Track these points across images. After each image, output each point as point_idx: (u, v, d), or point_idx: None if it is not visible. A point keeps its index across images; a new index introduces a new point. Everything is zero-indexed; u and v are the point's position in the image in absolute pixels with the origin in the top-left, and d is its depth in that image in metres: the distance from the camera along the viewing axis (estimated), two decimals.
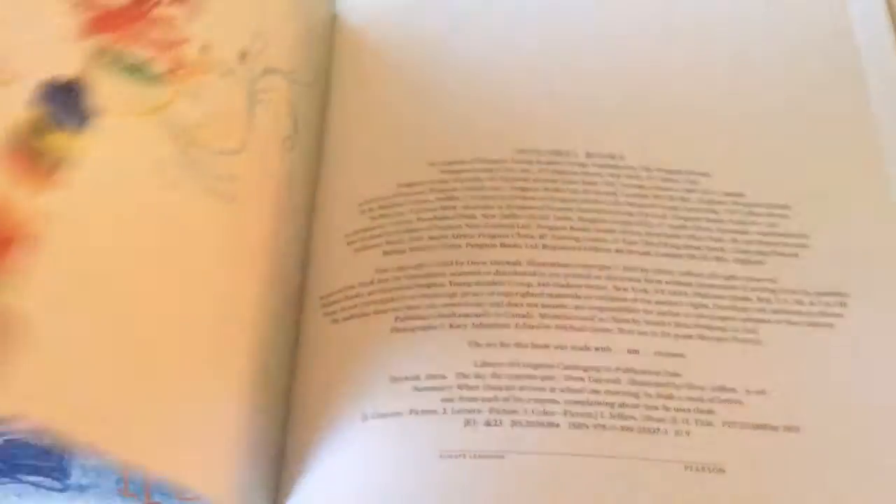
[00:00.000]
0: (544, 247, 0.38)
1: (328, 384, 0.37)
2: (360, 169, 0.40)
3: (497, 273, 0.37)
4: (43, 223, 0.33)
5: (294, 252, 0.40)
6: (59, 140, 0.35)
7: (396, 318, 0.37)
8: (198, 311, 0.36)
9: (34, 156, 0.34)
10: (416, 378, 0.36)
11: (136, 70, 0.37)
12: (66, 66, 0.36)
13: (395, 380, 0.36)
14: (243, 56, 0.41)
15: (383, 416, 0.35)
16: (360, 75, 0.44)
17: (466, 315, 0.37)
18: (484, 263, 0.37)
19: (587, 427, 0.34)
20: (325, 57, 0.45)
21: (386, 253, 0.38)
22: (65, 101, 0.35)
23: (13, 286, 0.32)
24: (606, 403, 0.35)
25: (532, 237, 0.38)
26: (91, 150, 0.35)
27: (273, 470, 0.37)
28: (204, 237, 0.37)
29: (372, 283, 0.38)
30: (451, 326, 0.36)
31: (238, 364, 0.36)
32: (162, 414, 0.34)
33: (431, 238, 0.38)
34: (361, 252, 0.38)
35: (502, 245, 0.38)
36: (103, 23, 0.38)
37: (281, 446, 0.37)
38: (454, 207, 0.39)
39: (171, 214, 0.36)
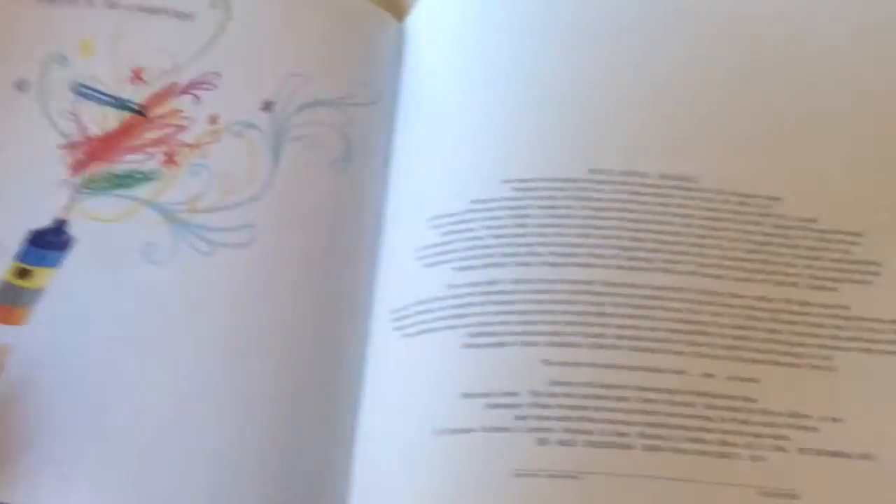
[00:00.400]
0: (618, 267, 0.38)
1: (398, 398, 0.37)
2: (430, 184, 0.40)
3: (570, 292, 0.37)
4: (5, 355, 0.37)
5: (359, 266, 0.40)
6: (39, 277, 0.39)
7: (468, 334, 0.37)
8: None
9: (14, 296, 0.38)
10: (488, 395, 0.35)
11: (124, 180, 0.41)
12: (52, 209, 0.40)
13: (466, 396, 0.36)
14: (268, 106, 0.42)
15: (454, 431, 0.35)
16: (429, 91, 0.44)
17: (539, 333, 0.36)
18: (557, 282, 0.37)
19: (663, 450, 0.34)
20: (390, 73, 0.45)
21: (457, 269, 0.38)
22: (47, 243, 0.39)
23: None
24: (682, 427, 0.35)
25: (605, 257, 0.38)
26: (65, 278, 0.39)
27: (339, 483, 0.37)
28: (216, 293, 0.39)
29: (443, 298, 0.38)
30: (523, 344, 0.36)
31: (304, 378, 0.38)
32: None
33: (504, 255, 0.38)
34: (432, 267, 0.38)
35: (575, 264, 0.38)
36: (93, 154, 0.41)
37: (347, 459, 0.37)
38: (526, 225, 0.39)
39: (164, 293, 0.39)
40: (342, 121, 0.43)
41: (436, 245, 0.39)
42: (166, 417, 0.37)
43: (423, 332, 0.37)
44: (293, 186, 0.41)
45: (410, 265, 0.38)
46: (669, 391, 0.35)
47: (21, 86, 0.43)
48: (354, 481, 0.36)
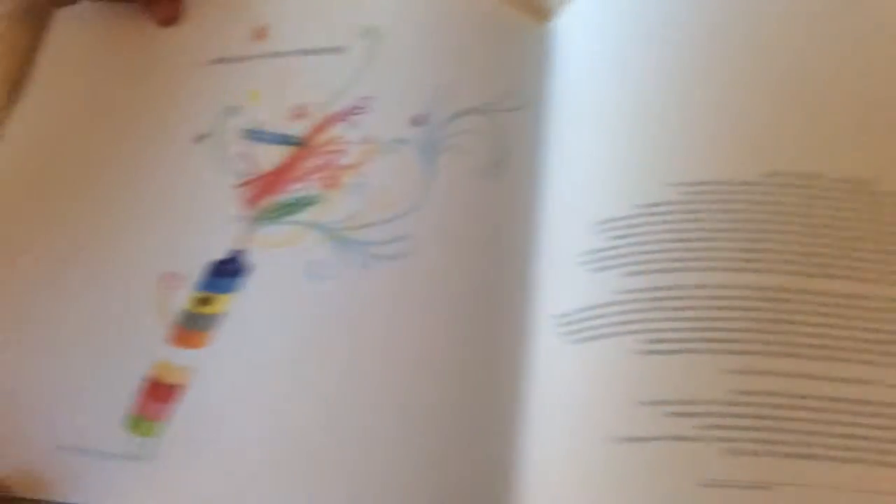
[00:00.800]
0: (797, 273, 0.35)
1: (567, 404, 0.35)
2: (592, 188, 0.39)
3: (749, 298, 0.35)
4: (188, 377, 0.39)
5: (517, 270, 0.40)
6: (218, 303, 0.41)
7: (643, 340, 0.35)
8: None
9: (194, 322, 0.41)
10: (668, 403, 0.34)
11: (292, 208, 0.43)
12: (228, 242, 0.42)
13: (643, 403, 0.34)
14: (419, 119, 0.43)
15: (631, 440, 0.34)
16: (583, 93, 0.43)
17: (719, 340, 0.35)
18: (735, 288, 0.35)
19: (856, 462, 0.32)
20: (538, 76, 0.45)
21: (627, 273, 0.37)
22: (225, 273, 0.42)
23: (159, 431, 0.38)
24: (874, 438, 0.32)
25: (784, 263, 0.36)
26: (241, 303, 0.41)
27: (506, 492, 0.35)
28: (377, 305, 0.40)
29: (614, 304, 0.36)
30: (702, 351, 0.34)
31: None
32: None
33: (678, 260, 0.36)
34: (599, 272, 0.37)
35: (753, 270, 0.36)
36: (264, 188, 0.44)
37: (513, 467, 0.36)
38: (700, 230, 0.37)
39: (329, 307, 0.40)
40: (492, 127, 0.43)
41: (602, 250, 0.37)
42: (340, 429, 0.38)
43: (594, 337, 0.36)
44: (448, 196, 0.41)
45: (575, 270, 0.37)
46: (862, 402, 0.33)
47: (199, 139, 0.46)
48: (522, 490, 0.35)
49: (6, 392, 0.41)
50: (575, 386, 0.35)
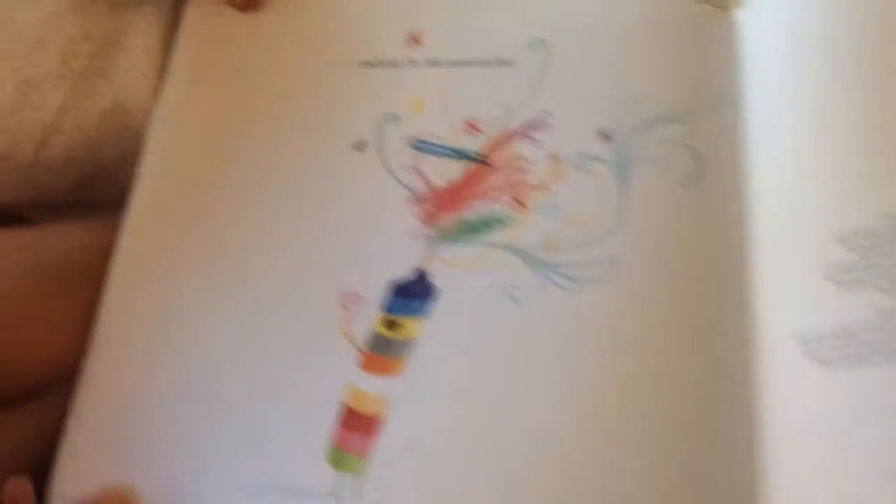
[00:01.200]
0: None
1: (828, 435, 0.34)
2: (830, 196, 0.37)
3: None
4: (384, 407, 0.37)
5: (735, 286, 0.38)
6: (408, 328, 0.39)
7: None
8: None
9: (384, 347, 0.38)
10: None
11: (477, 227, 0.41)
12: (409, 261, 0.40)
13: None
14: (606, 134, 0.41)
15: None
16: (789, 86, 0.40)
17: None
18: None
19: None
20: (728, 73, 0.42)
21: (887, 292, 0.34)
22: (411, 293, 0.39)
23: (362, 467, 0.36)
24: None
25: None
26: (434, 328, 0.39)
27: None
28: (587, 330, 0.38)
29: (876, 325, 0.34)
30: None
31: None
32: None
33: None
34: (851, 290, 0.35)
35: None
36: (442, 204, 0.41)
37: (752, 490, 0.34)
38: None
39: (533, 334, 0.38)
40: (686, 134, 0.41)
41: (851, 265, 0.35)
42: (558, 463, 0.36)
43: (855, 362, 0.34)
44: (648, 212, 0.40)
45: (817, 286, 0.35)
46: None
47: (360, 146, 0.43)
48: None
49: (187, 427, 0.37)
50: (836, 414, 0.34)
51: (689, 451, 0.35)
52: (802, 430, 0.34)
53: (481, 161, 0.42)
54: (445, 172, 0.42)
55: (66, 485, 0.38)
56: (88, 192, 0.47)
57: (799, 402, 0.34)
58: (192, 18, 0.47)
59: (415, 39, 0.46)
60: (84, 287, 0.41)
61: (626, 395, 0.37)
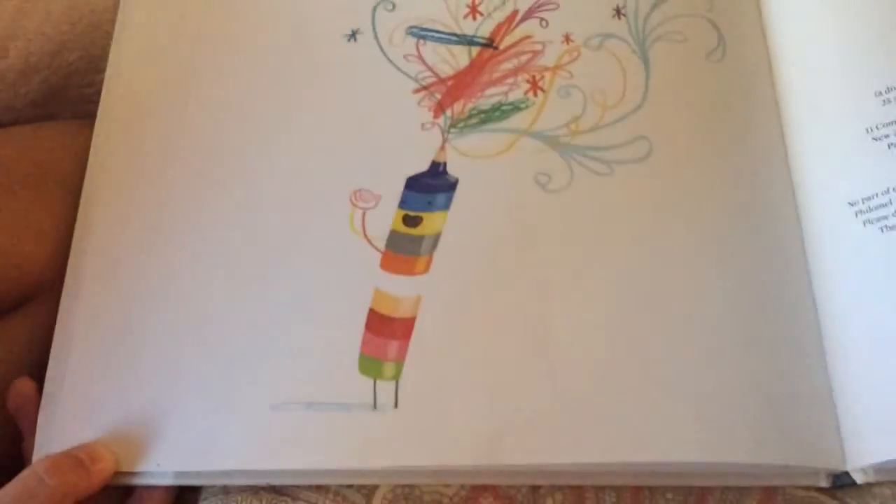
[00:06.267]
0: None
1: (887, 290, 0.32)
2: (867, 53, 0.35)
3: None
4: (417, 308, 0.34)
5: (775, 153, 0.36)
6: (430, 223, 0.36)
7: None
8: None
9: (410, 245, 0.35)
10: None
11: (492, 114, 0.38)
12: (424, 153, 0.37)
13: None
14: (618, 12, 0.39)
15: None
16: None
17: None
18: None
19: None
20: None
21: None
22: (428, 187, 0.37)
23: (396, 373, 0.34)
24: None
25: None
26: (460, 220, 0.36)
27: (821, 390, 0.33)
28: (627, 211, 0.36)
29: None
30: None
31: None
32: None
33: None
34: None
35: None
36: (452, 93, 0.39)
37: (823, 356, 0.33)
38: None
39: (567, 218, 0.36)
40: (704, 6, 0.39)
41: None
42: (605, 340, 0.34)
43: None
44: (675, 87, 0.38)
45: (863, 147, 0.34)
46: None
47: (354, 36, 0.40)
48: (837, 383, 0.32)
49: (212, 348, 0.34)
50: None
51: (751, 330, 0.34)
52: (862, 293, 0.33)
53: (487, 45, 0.39)
54: (450, 60, 0.39)
55: (64, 405, 0.34)
56: (52, 107, 0.42)
57: (857, 264, 0.33)
58: None
59: None
60: (56, 188, 0.37)
61: (672, 277, 0.35)
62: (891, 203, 0.33)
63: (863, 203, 0.33)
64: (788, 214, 0.35)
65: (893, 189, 0.33)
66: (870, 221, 0.33)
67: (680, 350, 0.33)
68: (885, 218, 0.33)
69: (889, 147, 0.34)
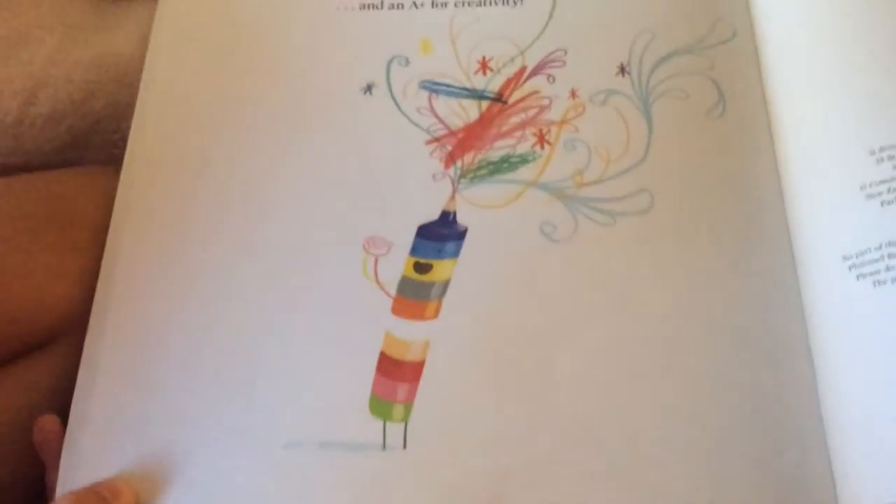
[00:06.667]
0: None
1: (879, 345, 0.33)
2: (863, 113, 0.37)
3: None
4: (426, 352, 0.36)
5: (775, 207, 0.38)
6: (440, 270, 0.37)
7: None
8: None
9: (420, 291, 0.37)
10: None
11: (501, 166, 0.40)
12: (435, 203, 0.39)
13: None
14: (622, 69, 0.41)
15: None
16: (805, 10, 0.40)
17: None
18: None
19: None
20: (743, 3, 0.42)
21: None
22: (439, 235, 0.38)
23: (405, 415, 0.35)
24: None
25: None
26: (469, 268, 0.37)
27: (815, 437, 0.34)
28: (626, 262, 0.37)
29: None
30: None
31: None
32: None
33: None
34: (890, 205, 0.35)
35: None
36: (462, 144, 0.40)
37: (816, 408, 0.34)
38: None
39: (571, 268, 0.37)
40: (706, 65, 0.41)
41: (889, 180, 0.35)
42: (607, 387, 0.35)
43: None
44: (676, 143, 0.39)
45: (857, 204, 0.35)
46: None
47: (369, 90, 0.41)
48: (832, 435, 0.34)
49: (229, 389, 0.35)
50: (887, 328, 0.33)
51: (747, 377, 0.35)
52: (855, 345, 0.34)
53: (497, 99, 0.41)
54: (461, 113, 0.41)
55: (83, 444, 0.36)
56: (79, 153, 0.44)
57: (850, 318, 0.34)
58: None
59: None
60: (82, 231, 0.38)
61: (672, 327, 0.36)
62: (883, 258, 0.34)
63: (856, 258, 0.35)
64: (786, 268, 0.36)
65: (886, 245, 0.34)
66: (863, 276, 0.34)
67: (680, 401, 0.35)
68: (878, 273, 0.34)
69: (882, 204, 0.35)
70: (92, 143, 0.44)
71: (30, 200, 0.39)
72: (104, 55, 0.43)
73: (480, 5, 0.44)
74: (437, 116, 0.41)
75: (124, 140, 0.41)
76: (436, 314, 0.37)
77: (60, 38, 0.42)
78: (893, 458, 0.32)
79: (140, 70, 0.42)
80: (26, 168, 0.43)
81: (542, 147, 0.40)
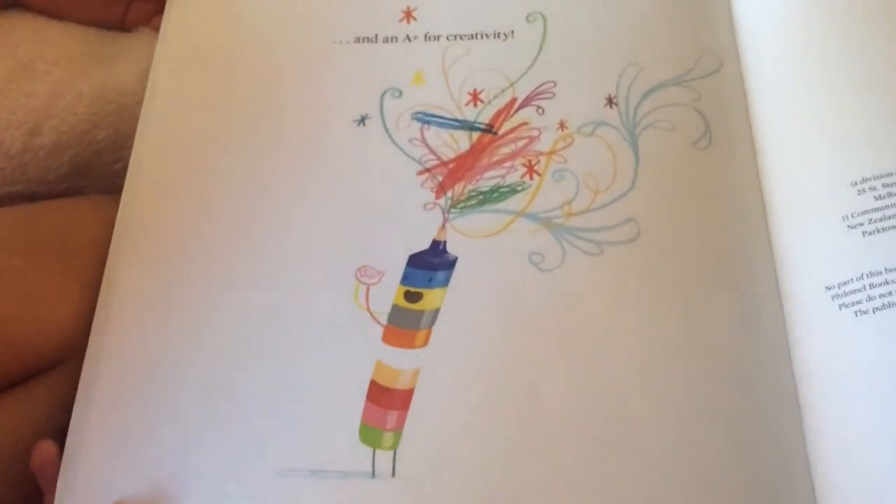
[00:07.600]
0: None
1: (860, 380, 0.34)
2: (844, 145, 0.38)
3: None
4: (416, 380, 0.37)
5: (760, 239, 0.38)
6: (430, 299, 0.38)
7: None
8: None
9: (410, 320, 0.38)
10: None
11: (490, 196, 0.41)
12: (425, 232, 0.40)
13: None
14: (610, 101, 0.42)
15: None
16: (789, 40, 0.41)
17: None
18: None
19: None
20: (726, 34, 0.43)
21: None
22: (429, 264, 0.39)
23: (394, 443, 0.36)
24: None
25: None
26: (458, 297, 0.38)
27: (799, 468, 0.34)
28: (613, 291, 0.38)
29: None
30: None
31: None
32: None
33: None
34: (872, 235, 0.36)
35: None
36: (453, 175, 0.41)
37: (801, 439, 0.35)
38: None
39: (558, 296, 0.38)
40: (692, 97, 0.41)
41: (870, 211, 0.36)
42: (596, 416, 0.36)
43: (883, 307, 0.34)
44: (662, 173, 0.40)
45: (839, 234, 0.36)
46: None
47: (363, 121, 0.42)
48: (816, 465, 0.34)
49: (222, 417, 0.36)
50: (869, 361, 0.34)
51: (731, 406, 0.35)
52: (839, 374, 0.35)
53: (487, 130, 0.42)
54: (452, 144, 0.42)
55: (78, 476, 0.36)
56: (81, 181, 0.45)
57: (833, 347, 0.35)
58: None
59: (408, 15, 0.45)
60: (83, 259, 0.39)
61: (659, 356, 0.36)
62: (864, 288, 0.35)
63: (838, 288, 0.35)
64: (770, 297, 0.37)
65: (867, 275, 0.35)
66: (845, 306, 0.35)
67: (666, 429, 0.35)
68: (860, 303, 0.35)
69: (864, 235, 0.36)
70: (94, 173, 0.45)
71: (32, 229, 0.40)
72: (106, 87, 0.44)
73: (472, 39, 0.44)
74: (428, 147, 0.42)
75: (126, 169, 0.42)
76: (425, 342, 0.38)
77: (64, 71, 0.43)
78: (876, 486, 0.33)
79: (140, 102, 0.43)
80: (30, 196, 0.44)
81: (532, 177, 0.41)
